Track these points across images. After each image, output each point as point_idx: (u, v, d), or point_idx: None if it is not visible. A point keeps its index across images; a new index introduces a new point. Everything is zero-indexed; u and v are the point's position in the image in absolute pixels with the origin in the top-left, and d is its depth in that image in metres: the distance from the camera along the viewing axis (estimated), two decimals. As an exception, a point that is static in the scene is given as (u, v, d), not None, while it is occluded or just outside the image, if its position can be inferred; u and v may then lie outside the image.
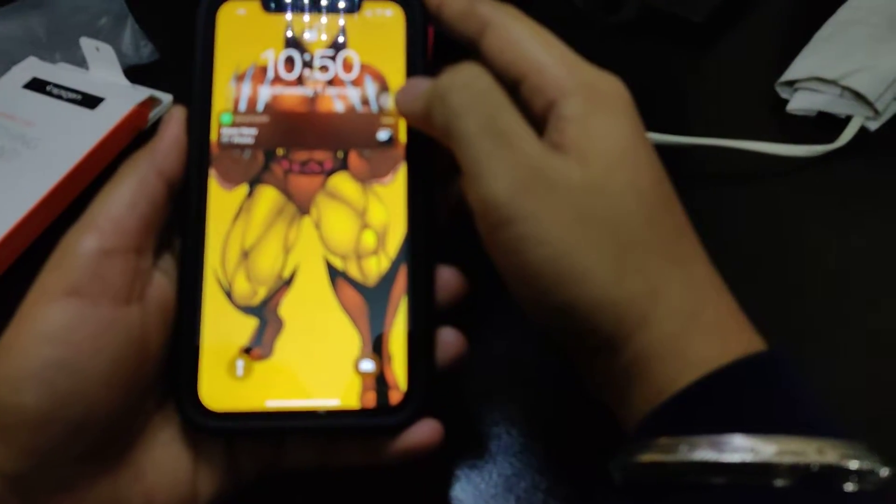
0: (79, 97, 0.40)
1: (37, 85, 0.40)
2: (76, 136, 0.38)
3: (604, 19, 0.48)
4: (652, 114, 0.43)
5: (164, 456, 0.24)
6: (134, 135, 0.40)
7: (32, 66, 0.42)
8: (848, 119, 0.41)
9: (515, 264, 0.23)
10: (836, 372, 0.33)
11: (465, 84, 0.24)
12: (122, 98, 0.40)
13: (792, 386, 0.21)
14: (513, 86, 0.25)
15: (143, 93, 0.40)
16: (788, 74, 0.42)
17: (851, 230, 0.38)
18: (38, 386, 0.21)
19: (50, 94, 0.40)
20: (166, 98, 0.41)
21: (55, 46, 0.44)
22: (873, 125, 0.41)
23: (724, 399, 0.21)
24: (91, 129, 0.38)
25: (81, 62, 0.42)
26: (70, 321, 0.22)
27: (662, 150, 0.40)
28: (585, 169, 0.22)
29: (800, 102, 0.41)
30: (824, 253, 0.37)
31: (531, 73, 0.24)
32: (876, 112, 0.40)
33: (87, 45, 0.41)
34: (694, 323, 0.22)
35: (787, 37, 0.46)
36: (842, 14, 0.43)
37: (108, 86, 0.41)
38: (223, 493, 0.25)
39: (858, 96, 0.40)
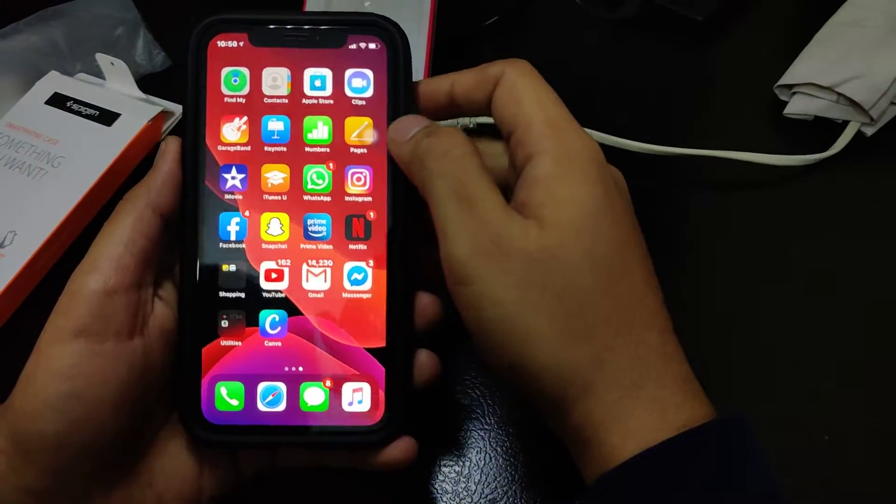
0: (96, 113, 0.42)
1: (58, 100, 0.42)
2: (94, 154, 0.40)
3: (604, 16, 0.48)
4: (650, 112, 0.44)
5: (173, 463, 0.27)
6: (150, 147, 0.42)
7: (54, 81, 0.43)
8: (844, 124, 0.41)
9: (473, 319, 0.24)
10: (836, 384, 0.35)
11: (444, 151, 0.25)
12: (137, 113, 0.42)
13: (722, 459, 0.22)
14: (508, 137, 0.26)
15: (155, 107, 0.42)
16: (786, 78, 0.42)
17: (845, 235, 0.39)
18: (55, 416, 0.24)
19: (70, 110, 0.42)
20: (178, 109, 0.43)
21: (76, 57, 0.46)
22: (869, 130, 0.41)
23: (654, 476, 0.22)
24: (108, 147, 0.40)
25: (100, 71, 0.44)
26: (80, 359, 0.24)
27: (655, 156, 0.41)
28: (543, 235, 0.24)
29: (796, 107, 0.42)
30: (817, 257, 0.38)
31: (519, 127, 0.25)
32: (871, 119, 0.40)
33: (103, 60, 0.43)
34: (636, 394, 0.23)
35: (790, 35, 0.45)
36: (842, 14, 0.43)
37: (124, 100, 0.43)
38: (225, 491, 0.28)
39: (854, 103, 0.40)
